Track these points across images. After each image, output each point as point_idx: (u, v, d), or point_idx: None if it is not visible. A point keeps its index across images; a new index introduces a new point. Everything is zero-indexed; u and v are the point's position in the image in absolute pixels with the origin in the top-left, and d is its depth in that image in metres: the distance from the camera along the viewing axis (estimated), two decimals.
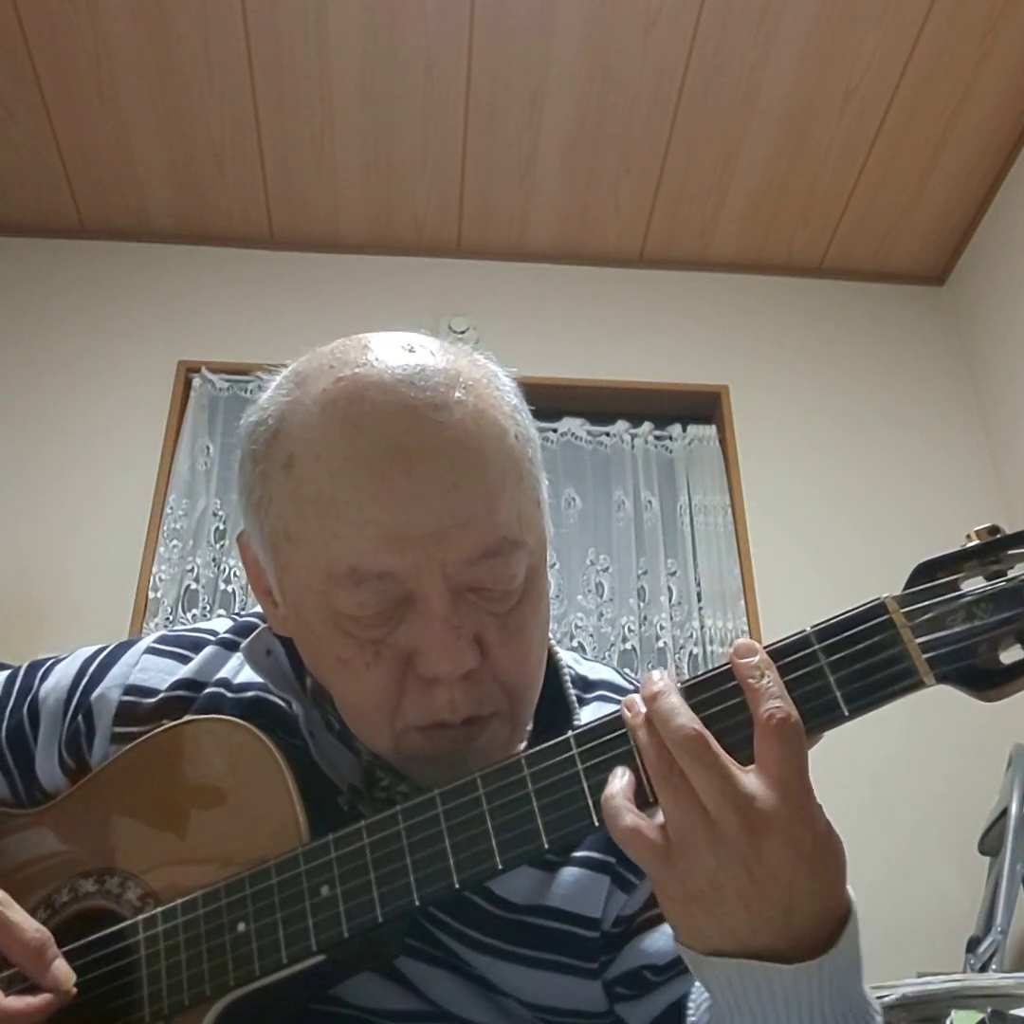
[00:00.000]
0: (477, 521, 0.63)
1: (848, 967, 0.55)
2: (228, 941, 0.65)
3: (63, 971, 0.66)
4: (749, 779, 0.54)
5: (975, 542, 0.60)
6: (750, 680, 0.57)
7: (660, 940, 0.71)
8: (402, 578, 0.63)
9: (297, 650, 0.73)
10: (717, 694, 0.59)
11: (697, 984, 0.65)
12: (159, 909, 0.68)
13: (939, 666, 0.56)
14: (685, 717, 0.56)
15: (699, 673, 0.61)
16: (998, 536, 0.60)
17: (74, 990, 0.66)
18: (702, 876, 0.54)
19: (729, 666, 0.59)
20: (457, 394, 0.65)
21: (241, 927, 0.65)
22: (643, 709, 0.58)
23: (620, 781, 0.57)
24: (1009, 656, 0.57)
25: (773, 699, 0.56)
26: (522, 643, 0.68)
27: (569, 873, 0.72)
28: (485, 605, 0.66)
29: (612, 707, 0.78)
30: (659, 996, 0.70)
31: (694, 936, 0.56)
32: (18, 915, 0.66)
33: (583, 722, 0.69)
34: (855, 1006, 0.57)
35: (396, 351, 0.67)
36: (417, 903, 0.61)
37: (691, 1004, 0.63)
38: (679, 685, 0.59)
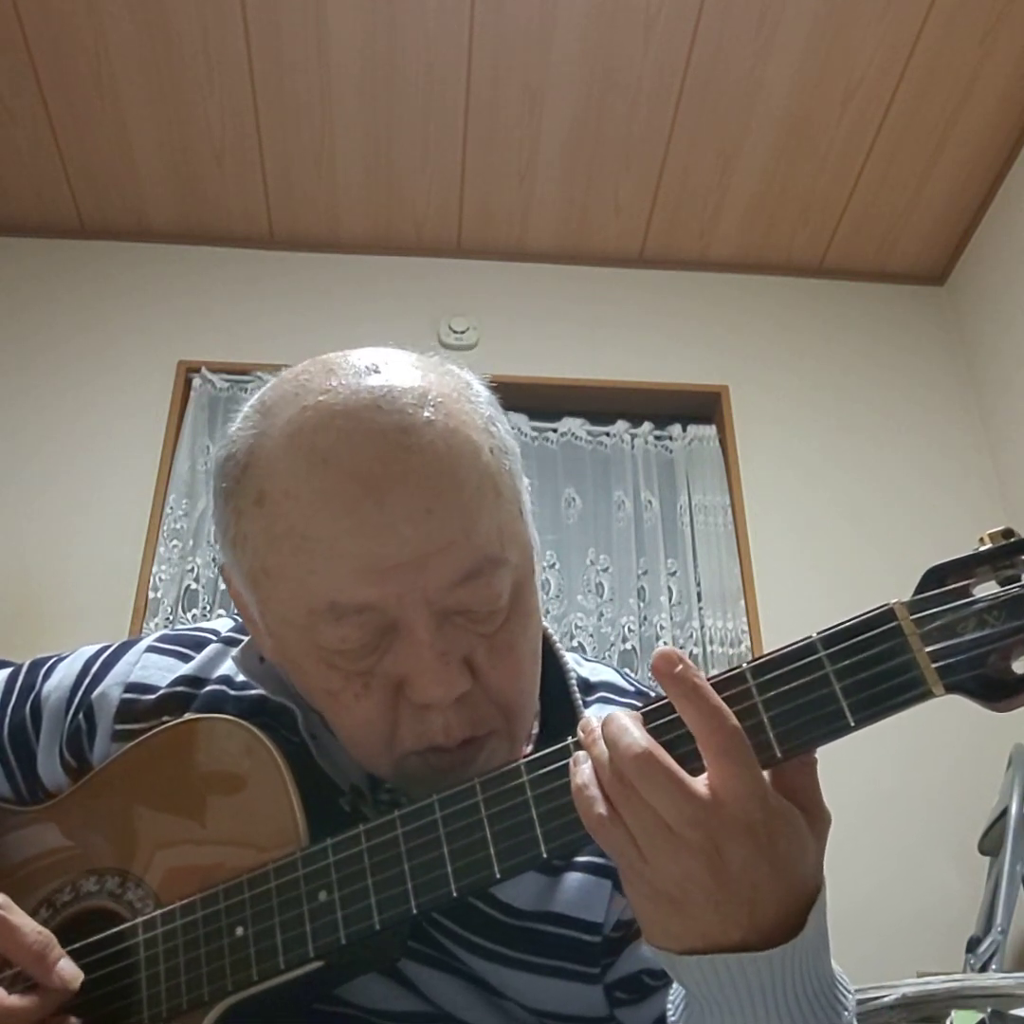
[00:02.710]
0: (455, 544, 0.62)
1: (816, 946, 0.56)
2: (226, 945, 0.65)
3: (69, 971, 0.65)
4: (701, 784, 0.54)
5: (988, 546, 0.57)
6: (683, 697, 0.55)
7: None
8: (384, 608, 0.62)
9: None
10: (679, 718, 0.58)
11: (674, 983, 0.65)
12: (158, 911, 0.68)
13: (949, 676, 0.54)
14: (634, 735, 0.55)
15: (657, 698, 0.60)
16: (1012, 540, 0.57)
17: (78, 983, 0.65)
18: (669, 880, 0.54)
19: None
20: (426, 414, 0.63)
21: (239, 931, 0.65)
22: (596, 727, 0.58)
23: (588, 768, 0.57)
24: (1022, 665, 0.55)
25: (716, 715, 0.54)
26: (513, 661, 0.67)
27: (573, 878, 0.72)
28: (472, 626, 0.65)
29: (613, 709, 0.77)
30: (656, 1001, 0.70)
31: (664, 936, 0.56)
32: (19, 918, 0.65)
33: None
34: (824, 984, 0.57)
35: (361, 373, 0.65)
36: (414, 911, 0.61)
37: (670, 1004, 0.63)
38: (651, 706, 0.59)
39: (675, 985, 0.62)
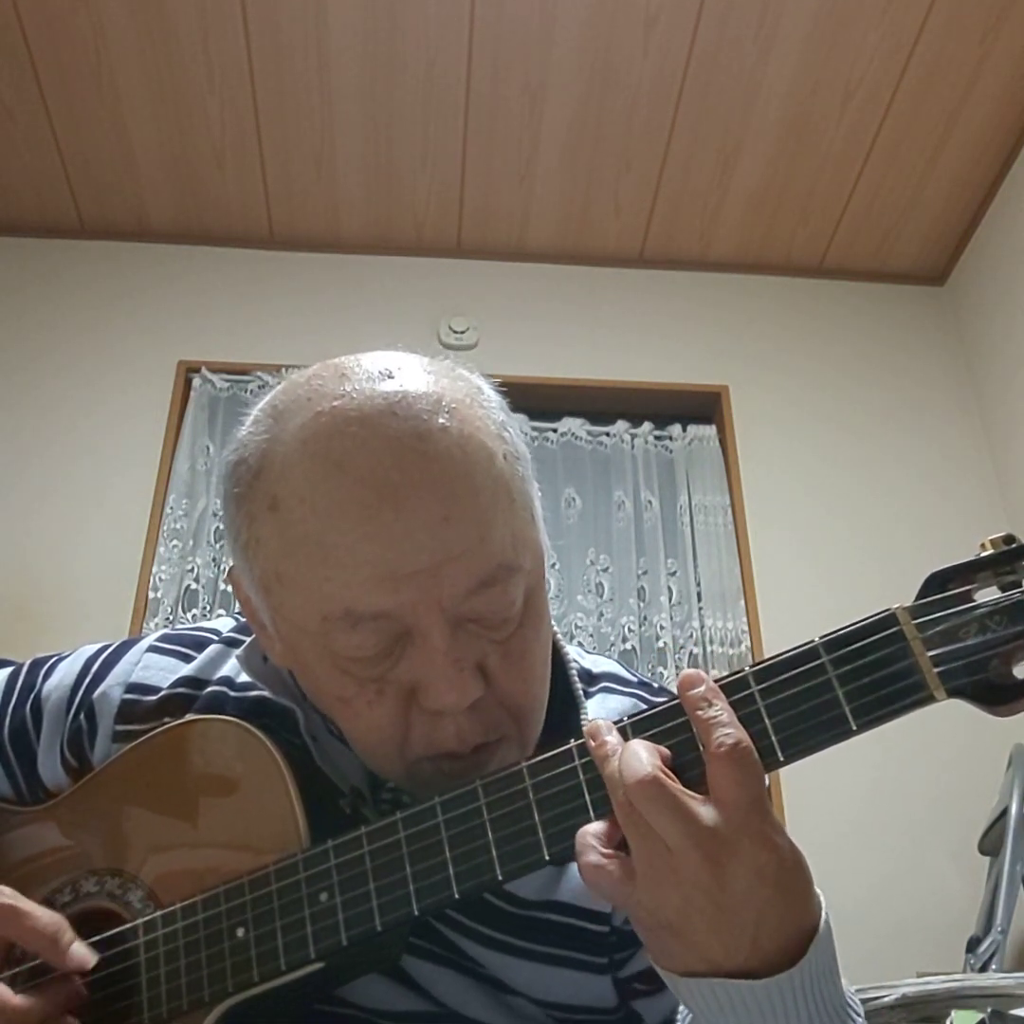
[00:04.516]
0: (471, 552, 0.62)
1: (822, 972, 0.56)
2: (227, 947, 0.65)
3: (82, 953, 0.66)
4: (706, 810, 0.54)
5: (989, 551, 0.58)
6: (698, 712, 0.56)
7: None
8: (399, 616, 0.62)
9: None
10: (681, 723, 0.58)
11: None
12: (159, 913, 0.68)
13: (950, 680, 0.55)
14: (641, 760, 0.55)
15: (661, 703, 0.60)
16: (1013, 545, 0.58)
17: (92, 963, 0.66)
18: (669, 908, 0.54)
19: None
20: (441, 420, 0.63)
21: (240, 933, 0.65)
22: (607, 738, 0.58)
23: (597, 825, 0.57)
24: (1022, 671, 0.55)
25: (722, 727, 0.55)
26: (525, 667, 0.67)
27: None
28: (485, 633, 0.65)
29: (616, 699, 0.78)
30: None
31: (668, 960, 0.57)
32: (29, 905, 0.66)
33: (589, 716, 0.68)
34: (833, 1008, 0.58)
35: (374, 378, 0.64)
36: (416, 913, 0.61)
37: (678, 1017, 0.64)
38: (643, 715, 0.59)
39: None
